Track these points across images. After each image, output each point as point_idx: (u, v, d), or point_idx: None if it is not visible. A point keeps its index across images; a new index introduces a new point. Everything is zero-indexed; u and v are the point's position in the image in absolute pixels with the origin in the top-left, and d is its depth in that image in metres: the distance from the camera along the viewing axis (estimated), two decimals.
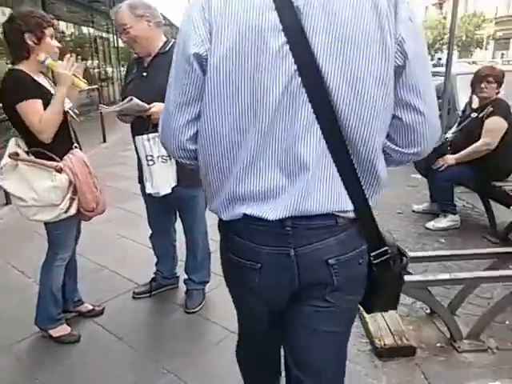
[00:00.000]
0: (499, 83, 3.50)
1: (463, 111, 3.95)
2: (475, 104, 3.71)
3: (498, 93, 3.54)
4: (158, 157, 2.20)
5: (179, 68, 0.96)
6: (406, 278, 1.12)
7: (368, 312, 1.23)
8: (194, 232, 2.58)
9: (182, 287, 2.76)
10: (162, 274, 2.81)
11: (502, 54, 29.52)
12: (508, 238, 3.43)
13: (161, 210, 2.56)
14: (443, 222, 3.74)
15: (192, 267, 2.67)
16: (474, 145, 3.49)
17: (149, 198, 2.44)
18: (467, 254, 2.35)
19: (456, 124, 3.91)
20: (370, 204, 1.01)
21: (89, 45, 13.21)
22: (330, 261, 0.99)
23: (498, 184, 3.48)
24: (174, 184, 2.26)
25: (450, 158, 3.63)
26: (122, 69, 16.12)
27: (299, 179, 0.94)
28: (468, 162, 3.55)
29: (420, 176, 4.59)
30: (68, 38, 11.50)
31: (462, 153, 3.57)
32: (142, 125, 2.19)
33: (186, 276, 2.72)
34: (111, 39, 15.32)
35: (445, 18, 33.30)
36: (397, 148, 1.00)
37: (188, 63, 0.93)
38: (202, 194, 2.39)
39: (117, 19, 2.16)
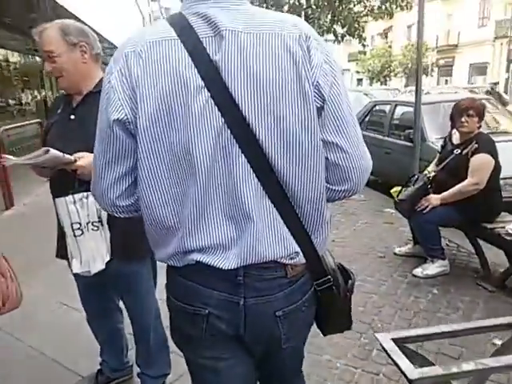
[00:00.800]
0: (480, 116, 3.26)
1: (442, 146, 3.67)
2: (456, 139, 3.44)
3: (479, 127, 3.29)
4: (87, 224, 1.67)
5: (102, 128, 0.97)
6: (425, 371, 1.03)
7: (324, 334, 1.26)
8: (141, 318, 2.02)
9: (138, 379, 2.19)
10: (108, 366, 2.22)
11: (446, 81, 31.10)
12: (505, 285, 3.12)
13: (96, 287, 1.98)
14: (432, 269, 3.38)
15: (145, 361, 2.11)
16: (460, 184, 3.20)
17: (77, 275, 1.85)
18: (483, 327, 1.97)
19: (435, 160, 3.63)
20: (317, 244, 1.04)
21: (35, 73, 12.44)
22: (278, 313, 1.03)
23: (490, 226, 3.19)
24: (108, 258, 1.72)
25: (435, 199, 3.32)
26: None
27: (246, 229, 0.96)
28: (453, 202, 3.25)
29: (393, 210, 4.34)
30: (12, 67, 10.76)
31: (447, 193, 3.27)
32: (66, 182, 1.67)
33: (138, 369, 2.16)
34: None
35: (390, 46, 34.98)
36: (328, 185, 1.03)
37: (109, 128, 0.95)
38: (146, 267, 1.89)
39: (42, 43, 1.67)
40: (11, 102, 11.06)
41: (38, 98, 12.50)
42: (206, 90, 0.89)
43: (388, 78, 33.72)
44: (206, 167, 0.92)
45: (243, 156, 0.92)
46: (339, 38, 10.91)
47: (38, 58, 12.62)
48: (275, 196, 0.96)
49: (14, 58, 11.33)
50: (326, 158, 0.99)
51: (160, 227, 1.00)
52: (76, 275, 1.88)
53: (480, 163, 3.14)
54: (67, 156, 1.57)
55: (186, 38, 0.91)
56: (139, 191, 0.99)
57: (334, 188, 1.03)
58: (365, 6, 10.90)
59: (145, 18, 34.96)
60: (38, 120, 6.85)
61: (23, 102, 11.85)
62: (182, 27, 0.92)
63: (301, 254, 1.01)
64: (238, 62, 0.89)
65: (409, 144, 5.19)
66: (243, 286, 0.99)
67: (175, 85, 0.89)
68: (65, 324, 2.84)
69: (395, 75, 32.74)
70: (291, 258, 1.00)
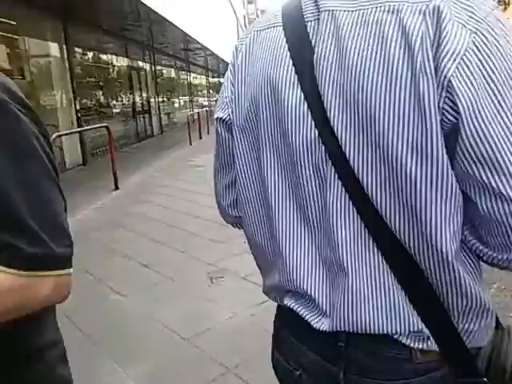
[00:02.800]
0: None
1: None
2: None
3: None
4: None
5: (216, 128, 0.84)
6: None
7: None
8: None
9: None
10: None
11: None
12: None
13: None
14: None
15: None
16: None
17: None
18: None
19: None
20: (463, 331, 0.66)
21: (123, 76, 13.27)
22: None
23: None
24: None
25: None
26: (159, 99, 16.52)
27: (340, 283, 0.68)
28: None
29: None
30: (100, 69, 11.62)
31: None
32: None
33: None
34: (147, 69, 15.57)
35: None
36: (484, 249, 0.63)
37: (217, 128, 0.83)
38: None
39: None
40: (114, 103, 12.14)
41: (127, 99, 13.46)
42: (299, 89, 0.67)
43: None
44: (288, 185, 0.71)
45: (339, 182, 0.65)
46: None
47: (126, 60, 13.67)
48: (383, 241, 0.64)
49: (111, 59, 12.24)
50: (475, 204, 0.60)
51: (255, 249, 0.83)
52: None
53: None
54: None
55: (289, 23, 0.71)
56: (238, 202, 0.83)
57: (491, 254, 0.63)
58: None
59: (239, 20, 38.94)
60: (105, 124, 7.14)
61: (120, 103, 12.78)
62: (290, 10, 0.72)
63: (431, 338, 0.65)
64: (331, 54, 0.63)
65: None
66: (344, 357, 0.70)
67: (265, 82, 0.71)
68: None
69: None
70: (415, 339, 0.66)
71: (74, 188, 6.39)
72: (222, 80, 36.25)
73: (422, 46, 0.56)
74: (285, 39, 0.70)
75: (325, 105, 0.64)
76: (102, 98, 11.49)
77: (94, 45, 11.11)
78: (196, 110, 17.07)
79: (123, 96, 13.17)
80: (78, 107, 9.30)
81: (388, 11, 0.59)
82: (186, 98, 22.68)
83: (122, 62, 13.15)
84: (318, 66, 0.64)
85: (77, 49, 9.91)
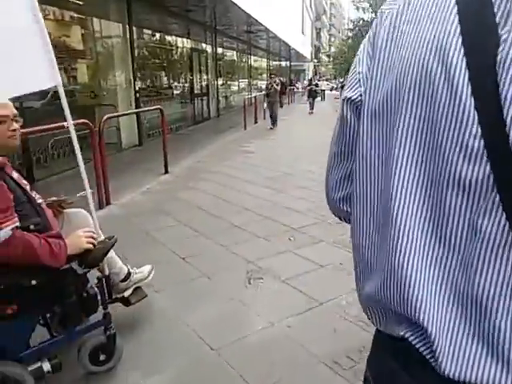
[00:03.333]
0: None
1: None
2: None
3: None
4: None
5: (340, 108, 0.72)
6: None
7: None
8: None
9: None
10: None
11: None
12: None
13: None
14: None
15: None
16: None
17: None
18: None
19: None
20: None
21: (183, 57, 13.24)
22: None
23: None
24: None
25: None
26: (218, 82, 16.34)
27: (481, 324, 0.54)
28: None
29: None
30: (161, 51, 11.63)
31: None
32: None
33: None
34: (209, 51, 15.39)
35: None
36: None
37: (341, 109, 0.70)
38: None
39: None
40: (173, 84, 12.29)
41: (187, 81, 13.41)
42: (466, 78, 0.50)
43: None
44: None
45: (502, 212, 0.50)
46: None
47: (187, 42, 13.52)
48: None
49: (172, 41, 12.16)
50: None
51: (357, 252, 0.72)
52: None
53: None
54: None
55: None
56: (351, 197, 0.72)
57: None
58: None
59: (305, 1, 37.92)
60: (159, 106, 6.90)
61: (179, 84, 12.84)
62: None
63: None
64: None
65: None
66: None
67: (420, 62, 0.55)
68: None
69: None
70: None
71: (125, 169, 6.47)
72: (283, 64, 35.87)
73: None
74: (455, 7, 0.53)
75: (503, 106, 0.47)
76: (161, 79, 11.56)
77: (157, 25, 11.15)
78: (254, 94, 16.87)
79: (183, 78, 13.19)
80: (137, 88, 9.39)
81: None
82: (246, 81, 22.49)
83: (183, 43, 13.13)
84: (503, 52, 0.47)
85: (139, 29, 9.96)
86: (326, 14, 76.72)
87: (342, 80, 29.77)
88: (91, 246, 1.93)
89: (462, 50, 0.51)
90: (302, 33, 34.53)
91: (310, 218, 4.37)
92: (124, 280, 2.45)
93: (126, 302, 2.46)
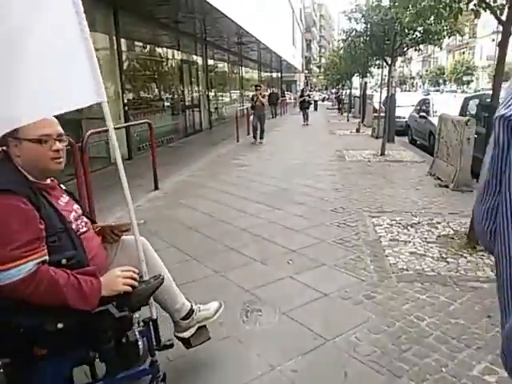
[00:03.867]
0: None
1: None
2: None
3: None
4: None
5: None
6: None
7: None
8: None
9: None
10: None
11: None
12: None
13: None
14: None
15: None
16: None
17: None
18: None
19: None
20: None
21: (173, 69, 12.87)
22: None
23: None
24: None
25: None
26: (211, 94, 16.09)
27: None
28: None
29: None
30: (150, 63, 11.29)
31: None
32: None
33: None
34: (199, 63, 15.14)
35: None
36: None
37: (497, 124, 0.67)
38: None
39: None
40: (164, 96, 11.82)
41: (177, 93, 13.07)
42: None
43: None
44: None
45: None
46: None
47: (178, 53, 13.21)
48: None
49: (162, 53, 11.81)
50: None
51: (501, 290, 0.70)
52: None
53: None
54: None
55: None
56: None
57: None
58: None
59: (295, 12, 38.13)
60: (147, 120, 6.61)
61: (170, 96, 12.36)
62: None
63: None
64: None
65: None
66: None
67: None
68: None
69: None
70: None
71: (113, 185, 6.08)
72: (274, 75, 35.90)
73: None
74: None
75: None
76: (151, 91, 11.28)
77: (145, 37, 10.90)
78: (246, 105, 16.69)
79: (173, 90, 12.92)
80: (125, 101, 9.10)
81: None
82: (237, 92, 22.35)
83: (173, 55, 12.89)
84: None
85: (127, 41, 9.71)
86: (315, 26, 77.45)
87: (334, 91, 29.76)
88: (129, 288, 1.66)
89: None
90: (293, 44, 34.65)
91: (309, 238, 4.09)
92: (186, 318, 2.16)
93: (188, 343, 2.17)
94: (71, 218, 1.71)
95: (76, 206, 1.83)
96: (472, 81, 46.29)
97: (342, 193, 5.94)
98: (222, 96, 19.50)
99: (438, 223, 4.50)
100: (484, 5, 3.80)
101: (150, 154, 6.23)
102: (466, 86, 44.82)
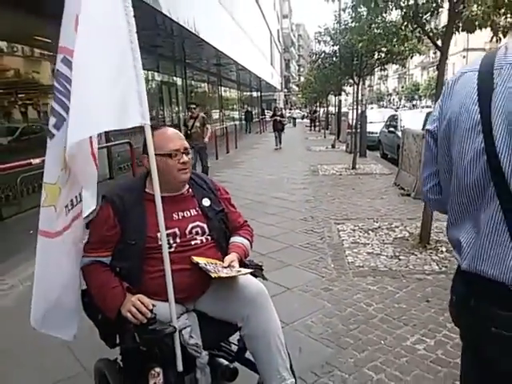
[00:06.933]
0: None
1: None
2: None
3: None
4: None
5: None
6: None
7: None
8: None
9: None
10: None
11: None
12: None
13: None
14: None
15: None
16: None
17: None
18: None
19: None
20: None
21: (153, 90, 13.43)
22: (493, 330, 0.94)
23: None
24: None
25: None
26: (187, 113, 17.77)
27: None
28: None
29: None
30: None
31: None
32: None
33: None
34: (179, 83, 15.72)
35: None
36: None
37: (425, 136, 1.17)
38: None
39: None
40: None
41: (158, 113, 13.70)
42: (478, 114, 0.94)
43: None
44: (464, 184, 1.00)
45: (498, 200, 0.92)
46: (500, 35, 10.10)
47: (157, 75, 13.94)
48: None
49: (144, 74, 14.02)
50: None
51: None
52: None
53: None
54: None
55: (482, 69, 0.98)
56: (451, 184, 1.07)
57: None
58: None
59: (273, 34, 39.24)
60: (127, 140, 7.13)
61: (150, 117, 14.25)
62: (487, 60, 0.99)
63: None
64: (505, 90, 0.91)
65: None
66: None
67: (461, 115, 0.99)
68: None
69: None
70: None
71: None
72: (254, 94, 36.65)
73: None
74: (476, 80, 0.98)
75: (493, 126, 0.91)
76: None
77: None
78: (225, 124, 17.16)
79: (154, 110, 13.33)
80: None
81: None
82: (217, 112, 22.88)
83: (153, 76, 13.35)
84: (494, 97, 0.92)
85: None
86: (294, 46, 79.31)
87: (312, 108, 30.67)
88: (129, 315, 1.58)
89: (477, 99, 0.96)
90: (271, 64, 35.61)
91: (279, 244, 4.50)
92: None
93: None
94: (158, 234, 1.67)
95: (195, 224, 1.82)
96: None
97: (312, 204, 6.38)
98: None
99: (396, 227, 4.96)
100: (423, 32, 4.35)
101: (132, 173, 6.55)
102: None
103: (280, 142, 15.21)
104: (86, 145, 1.70)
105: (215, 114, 22.44)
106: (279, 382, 1.72)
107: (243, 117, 26.98)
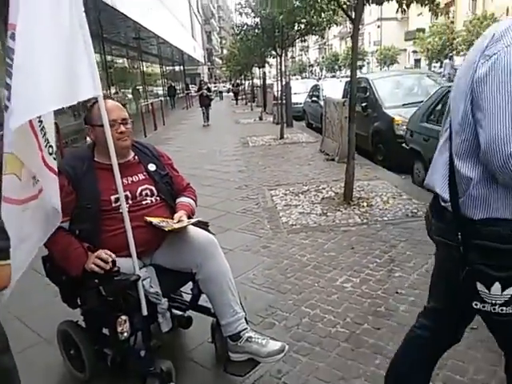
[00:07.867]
0: None
1: None
2: None
3: None
4: None
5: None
6: None
7: None
8: None
9: None
10: None
11: None
12: None
13: None
14: None
15: None
16: None
17: None
18: None
19: None
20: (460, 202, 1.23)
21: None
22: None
23: None
24: None
25: None
26: (112, 91, 16.00)
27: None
28: None
29: None
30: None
31: None
32: None
33: None
34: (98, 59, 14.99)
35: (452, 22, 33.40)
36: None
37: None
38: None
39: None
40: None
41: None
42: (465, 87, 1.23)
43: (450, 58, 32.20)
44: None
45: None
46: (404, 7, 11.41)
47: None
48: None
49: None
50: None
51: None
52: None
53: None
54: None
55: (474, 51, 1.26)
56: None
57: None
58: None
59: (192, 5, 38.15)
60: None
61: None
62: (478, 45, 1.27)
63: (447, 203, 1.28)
64: (482, 72, 1.16)
65: None
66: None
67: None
68: None
69: (458, 53, 29.40)
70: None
71: None
72: (176, 68, 35.73)
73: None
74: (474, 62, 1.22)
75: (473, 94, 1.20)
76: None
77: None
78: (151, 101, 16.76)
79: None
80: None
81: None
82: (140, 88, 22.15)
83: None
84: (475, 78, 1.19)
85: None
86: (214, 18, 77.75)
87: (237, 81, 30.66)
88: (94, 267, 1.73)
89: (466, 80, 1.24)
90: (193, 37, 34.80)
91: (217, 211, 4.74)
92: (232, 339, 1.94)
93: (225, 364, 1.97)
94: (112, 197, 1.87)
95: (144, 187, 2.00)
96: (364, 65, 49.92)
97: (245, 173, 6.66)
98: (125, 92, 19.26)
99: (323, 189, 5.40)
100: (337, 4, 4.68)
101: (58, 154, 6.35)
102: (358, 70, 48.61)
103: (208, 119, 14.72)
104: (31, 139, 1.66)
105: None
106: (232, 314, 1.95)
107: (166, 93, 26.35)
